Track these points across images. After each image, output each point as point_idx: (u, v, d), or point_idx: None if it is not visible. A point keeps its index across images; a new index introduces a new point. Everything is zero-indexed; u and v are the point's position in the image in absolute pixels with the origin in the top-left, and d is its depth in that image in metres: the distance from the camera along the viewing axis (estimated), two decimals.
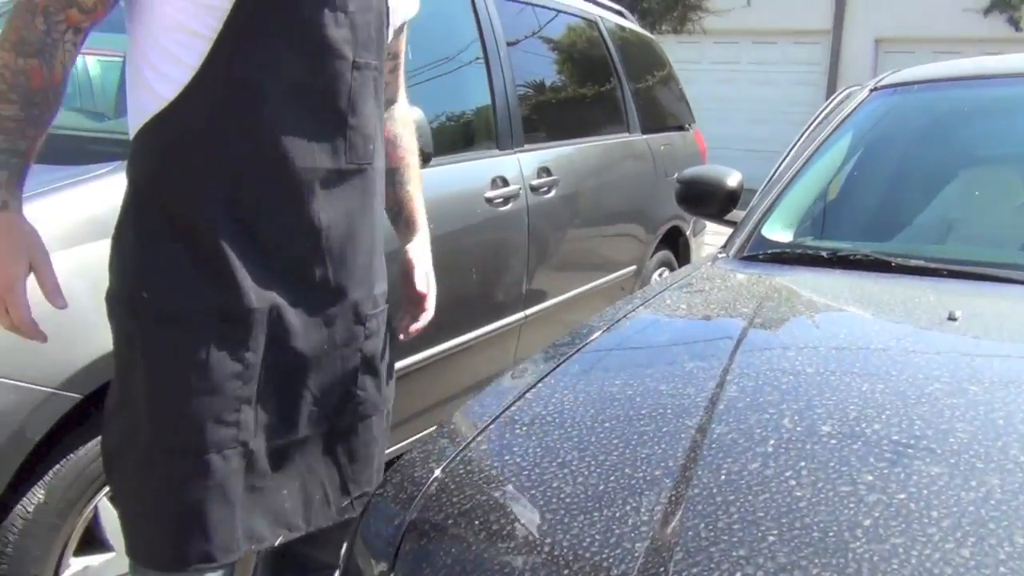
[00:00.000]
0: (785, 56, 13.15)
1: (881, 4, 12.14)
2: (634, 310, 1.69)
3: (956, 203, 2.11)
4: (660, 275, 4.09)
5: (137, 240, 1.23)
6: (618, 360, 1.48)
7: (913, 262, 1.81)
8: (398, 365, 2.30)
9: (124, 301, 1.25)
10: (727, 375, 1.29)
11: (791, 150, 2.54)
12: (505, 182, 3.21)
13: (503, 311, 3.28)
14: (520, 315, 3.37)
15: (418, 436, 2.88)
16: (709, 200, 2.43)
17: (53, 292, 1.21)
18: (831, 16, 12.49)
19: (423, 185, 1.70)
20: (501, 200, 3.16)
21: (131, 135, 1.25)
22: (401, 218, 1.60)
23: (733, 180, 2.42)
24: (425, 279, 1.56)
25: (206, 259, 1.20)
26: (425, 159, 2.39)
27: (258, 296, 1.22)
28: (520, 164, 3.33)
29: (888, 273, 1.82)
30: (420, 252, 1.59)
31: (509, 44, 3.44)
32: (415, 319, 1.55)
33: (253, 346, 1.22)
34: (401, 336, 1.53)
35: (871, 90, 2.54)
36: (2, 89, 1.15)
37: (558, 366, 1.43)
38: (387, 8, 1.33)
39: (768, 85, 12.99)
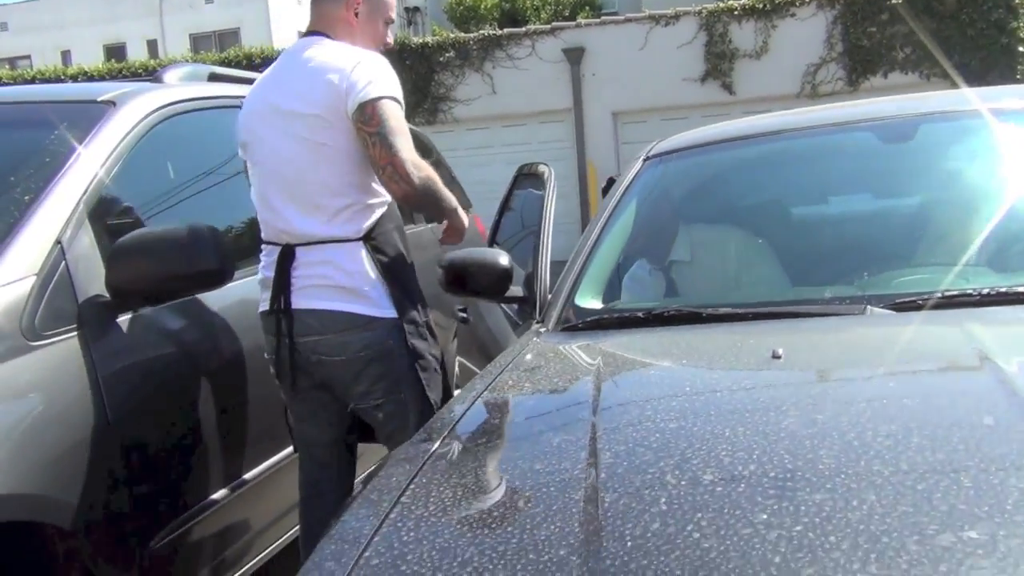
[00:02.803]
0: (534, 136, 13.89)
1: (613, 82, 13.19)
2: (479, 396, 1.70)
3: (745, 252, 2.31)
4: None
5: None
6: (484, 448, 1.47)
7: (722, 310, 1.95)
8: None
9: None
10: (595, 443, 1.31)
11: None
12: None
13: None
14: None
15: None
16: (484, 281, 2.46)
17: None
18: (570, 96, 13.40)
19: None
20: None
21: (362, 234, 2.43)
22: None
23: (505, 259, 2.50)
24: None
25: None
26: (223, 277, 2.31)
27: None
28: None
29: (701, 324, 1.94)
30: None
31: None
32: None
33: None
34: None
35: (644, 159, 2.74)
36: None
37: (424, 464, 1.40)
38: None
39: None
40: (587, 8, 19.85)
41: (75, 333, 2.14)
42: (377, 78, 2.34)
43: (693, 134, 2.86)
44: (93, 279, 2.23)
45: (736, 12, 12.78)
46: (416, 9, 22.21)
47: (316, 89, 2.35)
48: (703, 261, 2.33)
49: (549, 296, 2.46)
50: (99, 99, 2.65)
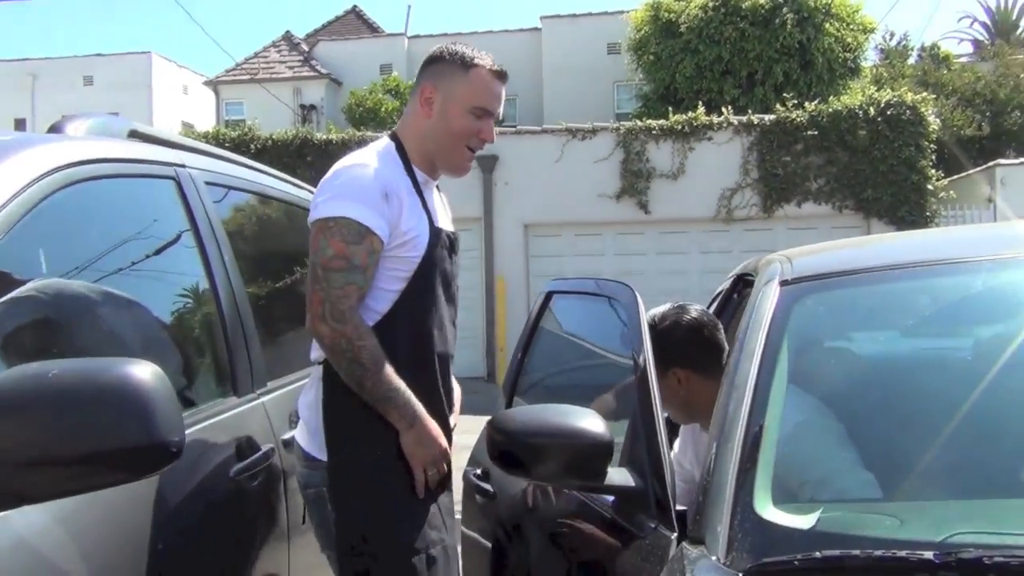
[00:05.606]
0: None
1: (526, 193, 12.63)
2: None
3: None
4: None
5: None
6: None
7: None
8: None
9: None
10: None
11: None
12: (253, 446, 2.14)
13: None
14: None
15: None
16: (563, 460, 1.63)
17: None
18: (481, 204, 12.74)
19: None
20: (249, 474, 2.08)
21: None
22: None
23: (599, 425, 1.63)
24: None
25: None
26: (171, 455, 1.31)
27: None
28: (267, 413, 2.28)
29: None
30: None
31: (232, 240, 2.42)
32: None
33: None
34: None
35: (780, 284, 1.92)
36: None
37: None
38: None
39: None
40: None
41: None
42: (324, 194, 2.04)
43: (834, 253, 2.08)
44: None
45: (654, 131, 12.54)
46: (312, 107, 21.50)
47: None
48: (956, 439, 1.49)
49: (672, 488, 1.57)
50: None
